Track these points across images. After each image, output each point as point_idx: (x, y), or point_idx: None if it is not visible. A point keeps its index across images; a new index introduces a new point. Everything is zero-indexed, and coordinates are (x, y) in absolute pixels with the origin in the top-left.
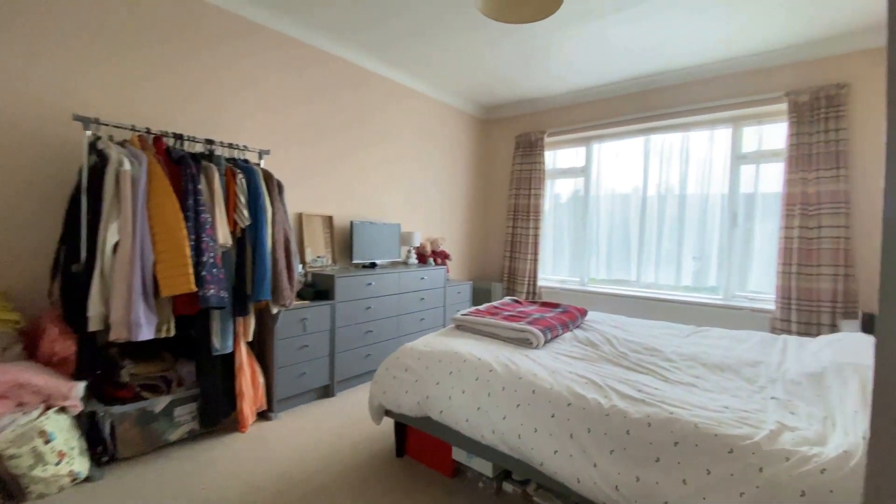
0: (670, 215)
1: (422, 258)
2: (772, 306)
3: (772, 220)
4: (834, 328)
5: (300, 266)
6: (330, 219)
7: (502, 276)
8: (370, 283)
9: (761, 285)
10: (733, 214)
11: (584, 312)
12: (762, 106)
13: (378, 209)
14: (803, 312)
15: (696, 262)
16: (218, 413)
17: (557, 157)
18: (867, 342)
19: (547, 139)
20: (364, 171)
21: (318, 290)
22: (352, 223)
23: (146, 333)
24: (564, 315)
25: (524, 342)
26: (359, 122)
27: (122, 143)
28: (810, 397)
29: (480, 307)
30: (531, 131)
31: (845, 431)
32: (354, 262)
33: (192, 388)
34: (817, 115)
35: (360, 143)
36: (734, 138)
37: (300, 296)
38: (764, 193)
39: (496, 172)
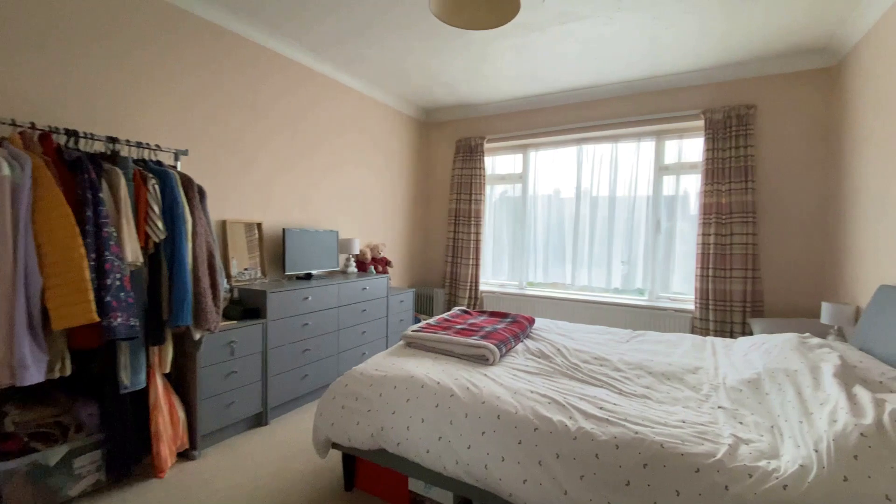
0: (601, 221)
1: (362, 266)
2: (692, 307)
3: (691, 227)
4: (745, 325)
5: (225, 282)
6: (258, 226)
7: (444, 282)
8: (307, 298)
9: (682, 287)
10: (657, 221)
11: (531, 321)
12: (682, 122)
13: (313, 215)
14: (719, 312)
15: (625, 266)
16: (129, 459)
17: (496, 163)
18: (788, 344)
19: (486, 145)
20: (298, 174)
21: (247, 307)
22: (284, 231)
23: (34, 376)
24: (514, 326)
25: (480, 359)
26: (292, 120)
27: None
28: (753, 405)
29: (431, 321)
30: (471, 136)
31: (795, 442)
32: (288, 273)
33: (96, 434)
34: (729, 132)
35: (293, 144)
36: (657, 151)
37: (226, 315)
38: (684, 202)
39: (437, 177)
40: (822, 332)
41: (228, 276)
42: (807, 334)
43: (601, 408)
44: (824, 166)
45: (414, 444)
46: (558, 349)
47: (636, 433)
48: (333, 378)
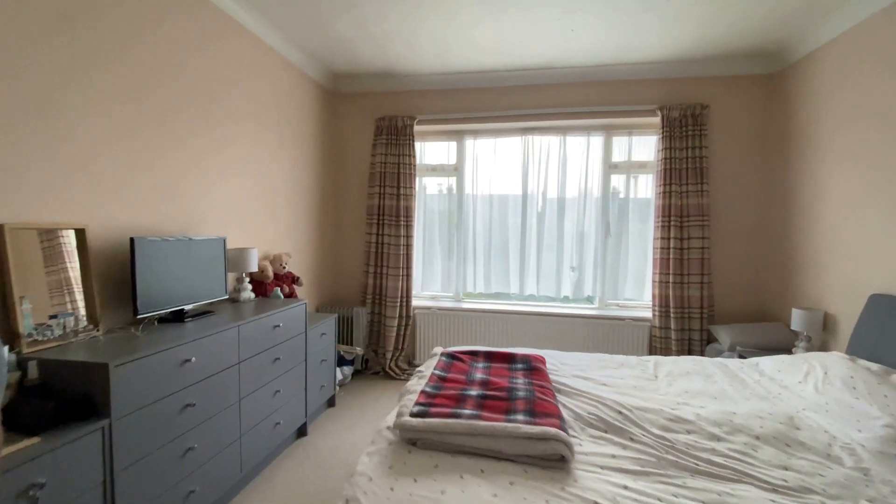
0: (550, 222)
1: (260, 288)
2: (648, 314)
3: (644, 231)
4: (703, 332)
5: (6, 351)
6: (79, 235)
7: (365, 298)
8: (189, 360)
9: (633, 294)
10: (606, 224)
11: (543, 361)
12: (637, 117)
13: (184, 215)
14: (678, 320)
15: (574, 273)
16: None
17: (426, 151)
18: (874, 377)
19: (416, 127)
20: (155, 150)
21: (66, 398)
22: (133, 242)
23: None
24: (540, 377)
25: (548, 459)
26: (150, 68)
27: None
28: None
29: (423, 384)
30: (397, 115)
31: None
32: (141, 315)
33: None
34: (685, 131)
35: (152, 104)
36: (605, 147)
37: (19, 425)
38: (634, 204)
39: (351, 163)
40: (790, 339)
41: (15, 337)
42: (876, 368)
43: None
44: (771, 170)
45: None
46: (619, 412)
47: None
48: (234, 484)
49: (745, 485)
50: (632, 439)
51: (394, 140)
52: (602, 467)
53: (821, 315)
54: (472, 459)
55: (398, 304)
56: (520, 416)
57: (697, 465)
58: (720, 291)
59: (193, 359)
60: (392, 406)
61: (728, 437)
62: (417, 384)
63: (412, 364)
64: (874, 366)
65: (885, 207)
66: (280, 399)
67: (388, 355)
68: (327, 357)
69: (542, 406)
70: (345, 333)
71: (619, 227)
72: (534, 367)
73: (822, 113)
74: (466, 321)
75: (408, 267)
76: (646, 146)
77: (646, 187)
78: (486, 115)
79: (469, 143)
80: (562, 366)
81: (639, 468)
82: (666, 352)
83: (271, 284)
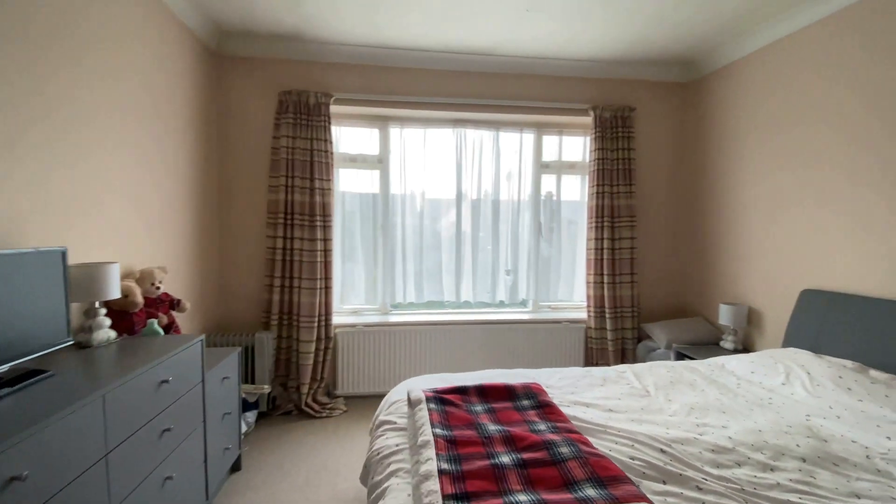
0: (485, 223)
1: (124, 321)
2: (584, 315)
3: (574, 231)
4: (635, 331)
5: None
6: None
7: (269, 320)
8: (21, 477)
9: (565, 295)
10: (539, 224)
11: (544, 391)
12: (570, 115)
13: None
14: (612, 319)
15: (510, 276)
16: None
17: (343, 137)
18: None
19: (333, 107)
20: None
21: None
22: None
23: None
24: (556, 415)
25: None
26: None
27: None
28: None
29: (443, 462)
30: (308, 89)
31: None
32: None
33: None
34: (615, 132)
35: None
36: (536, 145)
37: None
38: (566, 204)
39: (244, 147)
40: (716, 334)
41: None
42: (849, 364)
43: None
44: (690, 173)
45: None
46: (661, 451)
47: None
48: None
49: None
50: (699, 489)
51: (304, 120)
52: None
53: (745, 310)
54: None
55: (315, 323)
56: (590, 491)
57: None
58: (645, 290)
59: (25, 473)
60: (321, 456)
61: (777, 463)
62: (421, 458)
63: (333, 395)
64: (847, 362)
65: (809, 208)
66: (171, 488)
67: (305, 389)
68: (231, 409)
69: (600, 467)
70: (247, 370)
71: (551, 228)
72: (543, 403)
73: (736, 120)
74: (398, 337)
75: (327, 278)
76: (574, 147)
77: (575, 188)
78: (416, 101)
79: (395, 131)
80: (549, 389)
81: None
82: (602, 353)
83: (141, 314)
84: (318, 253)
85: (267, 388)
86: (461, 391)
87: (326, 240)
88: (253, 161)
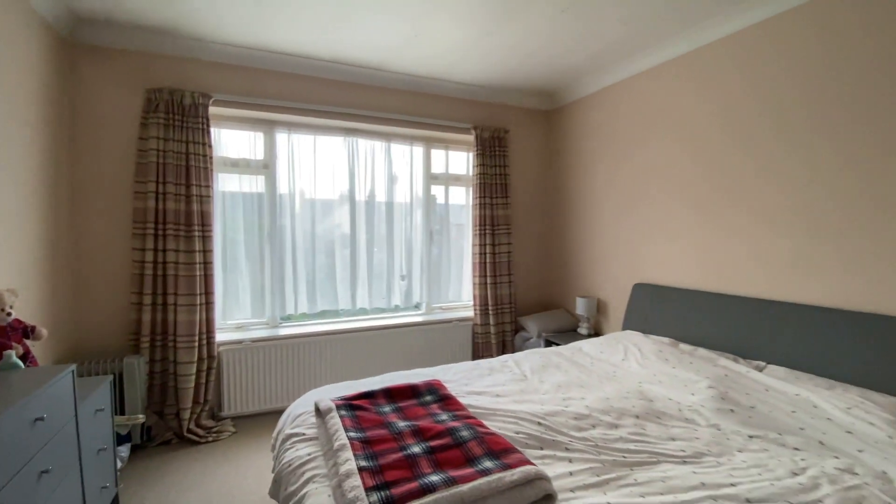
0: (379, 231)
1: None
2: (471, 314)
3: (461, 237)
4: (512, 324)
5: None
6: None
7: (139, 342)
8: None
9: (454, 296)
10: (430, 231)
11: (443, 385)
12: (454, 133)
13: None
14: (494, 315)
15: (405, 281)
16: None
17: (222, 140)
18: (667, 349)
19: (213, 109)
20: None
21: None
22: None
23: None
24: (456, 405)
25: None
26: None
27: None
28: (761, 424)
29: (361, 460)
30: (184, 88)
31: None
32: None
33: None
34: (493, 150)
35: None
36: (425, 159)
37: None
38: (453, 212)
39: (102, 149)
40: (573, 322)
41: None
42: (666, 340)
43: (747, 499)
44: (553, 188)
45: None
46: (538, 423)
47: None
48: None
49: (664, 465)
50: (567, 449)
51: (178, 122)
52: (573, 490)
53: (595, 301)
54: None
55: (196, 343)
56: (487, 463)
57: (625, 457)
58: (520, 288)
59: None
60: (212, 482)
61: (619, 422)
62: (339, 459)
63: (219, 418)
64: (665, 339)
65: (638, 217)
66: None
67: (186, 414)
68: (106, 444)
69: (494, 443)
70: (114, 397)
71: (441, 235)
72: (443, 396)
73: (587, 143)
74: (291, 351)
75: (208, 293)
76: (460, 161)
77: (461, 198)
78: (305, 108)
79: (282, 136)
80: (447, 383)
81: (597, 478)
82: (487, 346)
83: None
84: (198, 266)
85: (142, 418)
86: (369, 395)
87: (207, 251)
88: (113, 164)
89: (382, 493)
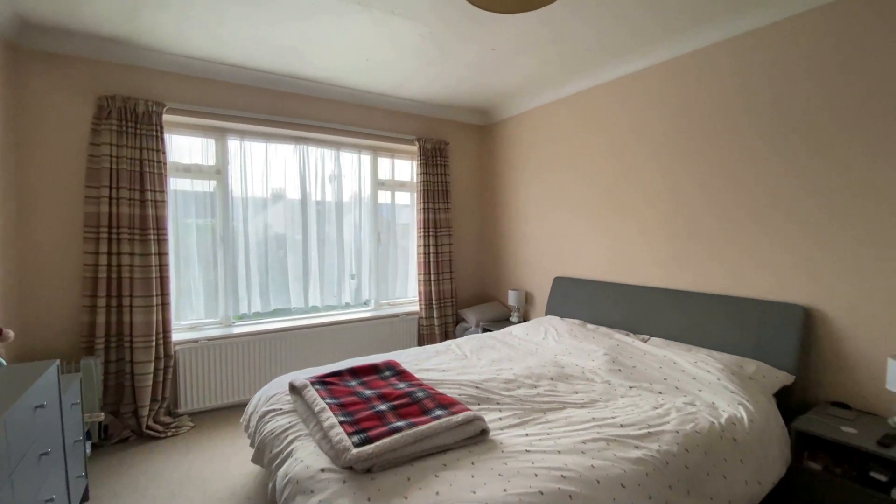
0: (329, 233)
1: None
2: (416, 308)
3: (406, 238)
4: (454, 316)
5: None
6: None
7: (93, 344)
8: None
9: (400, 293)
10: (378, 234)
11: (398, 364)
12: (399, 143)
13: None
14: (438, 309)
15: (354, 280)
16: None
17: (174, 146)
18: (576, 327)
19: (167, 117)
20: None
21: None
22: None
23: None
24: (411, 377)
25: (475, 437)
26: None
27: None
28: (647, 376)
29: (340, 416)
30: (137, 97)
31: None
32: None
33: None
34: (435, 160)
35: None
36: (373, 166)
37: None
38: (399, 215)
39: (49, 154)
40: (506, 312)
41: None
42: (577, 321)
43: (621, 424)
44: (488, 194)
45: None
46: (476, 387)
47: (677, 431)
48: None
49: (568, 409)
50: (498, 403)
51: (131, 129)
52: (501, 428)
53: (524, 293)
54: (426, 461)
55: (153, 343)
56: (439, 412)
57: (541, 405)
58: (460, 284)
59: None
60: (180, 468)
61: (538, 384)
62: (321, 419)
63: (175, 414)
64: (575, 321)
65: (555, 222)
66: None
67: (145, 411)
68: (79, 435)
69: (443, 399)
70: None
71: (388, 237)
72: (400, 371)
73: (515, 155)
74: (246, 348)
75: (164, 294)
76: (405, 169)
77: (406, 203)
78: (257, 117)
79: (234, 143)
80: (401, 363)
81: (519, 420)
82: (431, 336)
83: None
84: (154, 268)
85: (102, 416)
86: (337, 374)
87: (162, 254)
88: (62, 169)
89: (361, 435)
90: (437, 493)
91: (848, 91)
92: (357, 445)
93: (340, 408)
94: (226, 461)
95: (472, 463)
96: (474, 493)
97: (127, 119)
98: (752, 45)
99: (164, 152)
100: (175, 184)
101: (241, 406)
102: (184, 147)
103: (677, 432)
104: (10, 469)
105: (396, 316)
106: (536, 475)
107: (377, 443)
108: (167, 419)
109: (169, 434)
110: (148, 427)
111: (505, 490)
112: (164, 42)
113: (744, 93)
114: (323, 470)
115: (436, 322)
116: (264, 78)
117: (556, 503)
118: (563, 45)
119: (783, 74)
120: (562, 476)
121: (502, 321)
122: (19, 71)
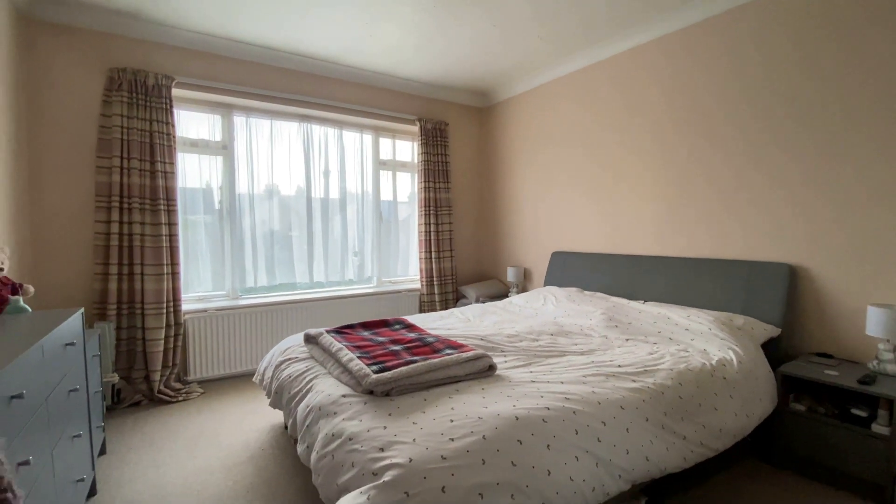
0: (333, 211)
1: None
2: (418, 286)
3: (408, 218)
4: (454, 293)
5: None
6: None
7: (105, 310)
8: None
9: (402, 270)
10: (380, 213)
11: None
12: (401, 123)
13: None
14: (438, 286)
15: (357, 257)
16: None
17: (182, 120)
18: (575, 294)
19: (175, 91)
20: None
21: None
22: None
23: None
24: (420, 329)
25: (483, 371)
26: None
27: None
28: (644, 330)
29: (358, 354)
30: (147, 70)
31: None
32: None
33: None
34: (436, 140)
35: None
36: (374, 146)
37: None
38: (400, 195)
39: (61, 123)
40: (504, 289)
41: None
42: (575, 289)
43: (619, 365)
44: (487, 173)
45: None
46: (482, 339)
47: (671, 369)
48: None
49: (569, 356)
50: (503, 352)
51: (141, 101)
52: (507, 368)
53: (522, 270)
54: (440, 388)
55: (164, 310)
56: (448, 351)
57: (540, 353)
58: (459, 262)
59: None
60: (193, 426)
61: (539, 338)
62: (340, 355)
63: (185, 381)
64: (573, 289)
65: (552, 199)
66: (79, 448)
67: (157, 376)
68: (97, 387)
69: (452, 343)
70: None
71: (389, 215)
72: (410, 325)
73: (514, 136)
74: (253, 318)
75: (173, 263)
76: (406, 149)
77: (406, 183)
78: (263, 94)
79: (240, 119)
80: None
81: (523, 363)
82: (432, 310)
83: None
84: (164, 238)
85: (116, 378)
86: (349, 326)
87: (172, 224)
88: (73, 139)
89: (379, 365)
90: (452, 408)
91: (828, 59)
92: (376, 373)
93: (357, 349)
94: (238, 421)
95: (483, 388)
96: (486, 408)
97: (137, 91)
98: (739, 19)
99: (173, 125)
100: (182, 159)
101: (249, 375)
102: (192, 122)
103: (671, 370)
104: (47, 392)
105: (399, 292)
106: (542, 397)
107: (396, 370)
108: (178, 385)
109: (180, 398)
110: (160, 391)
111: (514, 406)
112: (172, 17)
113: (734, 64)
114: (344, 396)
115: (437, 298)
116: (269, 55)
117: (562, 417)
118: (562, 20)
119: (768, 45)
120: (566, 398)
121: (501, 297)
122: (32, 41)
